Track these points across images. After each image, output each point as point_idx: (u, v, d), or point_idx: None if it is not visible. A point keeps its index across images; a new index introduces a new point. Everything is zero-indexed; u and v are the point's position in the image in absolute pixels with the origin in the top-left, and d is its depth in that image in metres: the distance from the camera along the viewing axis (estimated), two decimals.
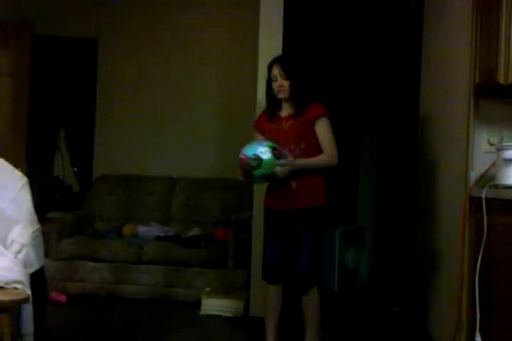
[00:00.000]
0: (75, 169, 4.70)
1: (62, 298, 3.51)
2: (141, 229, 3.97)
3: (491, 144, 2.34)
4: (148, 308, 3.47)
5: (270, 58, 3.23)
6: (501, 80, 2.06)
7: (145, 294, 3.61)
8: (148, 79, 4.57)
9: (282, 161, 2.37)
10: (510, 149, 2.10)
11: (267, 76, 2.57)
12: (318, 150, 2.51)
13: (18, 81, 4.41)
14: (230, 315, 3.31)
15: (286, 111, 2.57)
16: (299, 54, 2.67)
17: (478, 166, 2.35)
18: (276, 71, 2.51)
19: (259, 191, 3.28)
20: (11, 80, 4.42)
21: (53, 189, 4.66)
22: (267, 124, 2.59)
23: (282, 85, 2.50)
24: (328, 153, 2.50)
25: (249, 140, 3.42)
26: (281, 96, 2.52)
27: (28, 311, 1.85)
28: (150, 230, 3.96)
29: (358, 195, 4.69)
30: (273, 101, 2.58)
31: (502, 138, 2.33)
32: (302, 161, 2.45)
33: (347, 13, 4.59)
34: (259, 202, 3.28)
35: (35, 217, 2.11)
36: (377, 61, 4.60)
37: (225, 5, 4.46)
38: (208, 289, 3.49)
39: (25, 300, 1.79)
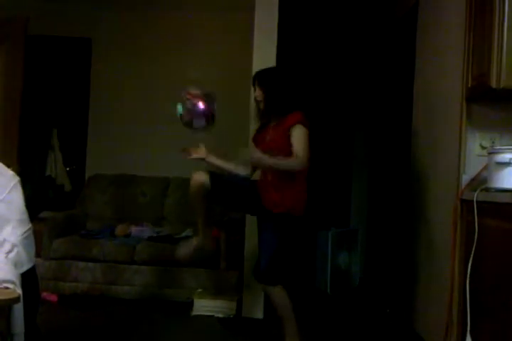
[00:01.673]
0: (68, 168, 4.69)
1: (54, 297, 3.50)
2: (134, 229, 3.96)
3: (483, 147, 2.36)
4: (140, 308, 3.46)
5: (264, 61, 3.29)
6: (493, 84, 2.08)
7: (137, 294, 3.60)
8: (141, 79, 4.57)
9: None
10: (501, 153, 2.12)
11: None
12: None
13: (10, 80, 4.38)
14: (221, 315, 3.31)
15: (272, 122, 2.65)
16: (276, 67, 2.84)
17: (470, 169, 2.37)
18: (254, 82, 2.67)
19: None
20: (4, 79, 4.39)
21: (45, 188, 4.65)
22: (258, 135, 2.72)
23: (258, 96, 2.63)
24: (298, 157, 2.48)
25: (241, 141, 3.46)
26: (261, 106, 2.64)
27: (18, 311, 1.83)
28: (142, 230, 3.96)
29: (351, 197, 4.71)
30: (262, 113, 2.69)
31: (494, 142, 2.35)
32: (264, 158, 2.45)
33: (341, 18, 4.61)
34: None
35: (26, 217, 2.10)
36: (371, 65, 4.62)
37: (220, 7, 4.46)
38: (199, 290, 3.49)
39: (16, 300, 1.78)
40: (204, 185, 2.59)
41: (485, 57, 2.15)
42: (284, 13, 3.39)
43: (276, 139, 2.54)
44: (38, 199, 4.35)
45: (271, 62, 3.27)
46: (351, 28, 4.62)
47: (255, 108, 2.74)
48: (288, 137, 2.50)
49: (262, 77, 2.64)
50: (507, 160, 2.07)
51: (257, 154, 2.44)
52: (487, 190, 2.17)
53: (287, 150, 2.48)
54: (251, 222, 3.29)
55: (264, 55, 3.28)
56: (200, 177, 2.61)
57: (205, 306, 3.34)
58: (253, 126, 2.96)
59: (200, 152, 2.90)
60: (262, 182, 2.60)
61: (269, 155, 2.43)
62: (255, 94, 2.64)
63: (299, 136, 2.50)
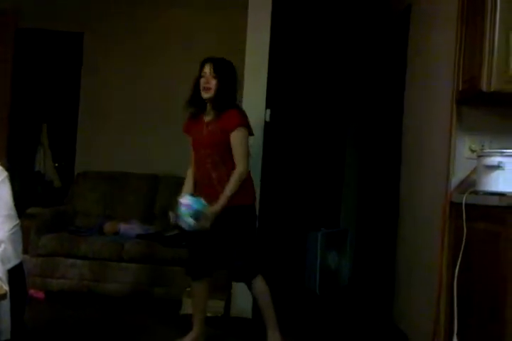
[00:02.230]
0: (57, 164, 4.65)
1: (41, 294, 3.47)
2: (123, 227, 3.94)
3: (473, 151, 2.38)
4: (128, 307, 3.45)
5: (257, 59, 3.29)
6: (484, 88, 2.10)
7: (125, 292, 3.58)
8: (133, 75, 4.54)
9: (202, 221, 2.44)
10: (490, 156, 2.14)
11: (197, 74, 2.60)
12: (230, 156, 2.55)
13: (0, 74, 4.34)
14: (210, 314, 3.29)
15: (208, 115, 2.62)
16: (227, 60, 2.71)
17: (459, 172, 2.39)
18: (207, 69, 2.56)
19: None
20: None
21: (34, 184, 4.61)
22: (192, 127, 2.67)
23: (209, 83, 2.54)
24: (239, 168, 2.52)
25: None
26: (206, 95, 2.55)
27: (5, 307, 1.82)
28: (131, 228, 3.94)
29: (341, 198, 4.73)
30: (196, 100, 2.61)
31: (483, 145, 2.37)
32: (221, 200, 2.48)
33: (334, 16, 4.62)
34: None
35: (14, 212, 2.08)
36: (363, 66, 4.63)
37: (213, 4, 4.45)
38: (188, 289, 3.47)
39: (2, 296, 1.77)
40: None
41: (476, 60, 2.17)
42: (278, 10, 3.39)
43: (215, 138, 2.55)
44: (26, 195, 4.32)
45: (264, 59, 3.27)
46: (345, 26, 4.64)
47: (190, 94, 2.64)
48: (227, 137, 2.52)
49: (220, 66, 2.57)
50: (496, 164, 2.09)
51: (216, 208, 2.46)
52: (476, 192, 2.19)
53: (226, 147, 2.53)
54: None
55: (257, 52, 3.28)
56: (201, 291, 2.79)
57: None
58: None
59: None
60: (205, 183, 2.59)
61: (209, 152, 2.53)
62: (206, 81, 2.54)
63: (239, 142, 2.53)
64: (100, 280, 3.59)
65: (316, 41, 4.64)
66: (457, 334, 2.18)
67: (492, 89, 2.09)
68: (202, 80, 2.56)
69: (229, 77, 2.58)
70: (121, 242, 3.69)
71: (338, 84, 4.69)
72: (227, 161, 2.55)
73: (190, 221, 2.43)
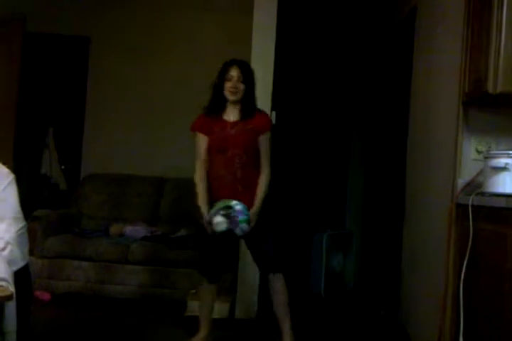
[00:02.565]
0: (63, 167, 4.67)
1: (47, 296, 3.48)
2: (128, 229, 3.95)
3: (479, 152, 2.37)
4: (133, 309, 3.45)
5: (262, 63, 3.30)
6: (490, 89, 2.09)
7: (130, 294, 3.59)
8: (139, 78, 4.56)
9: (245, 226, 2.50)
10: (497, 157, 2.13)
11: (217, 77, 2.66)
12: (258, 160, 2.63)
13: (7, 77, 4.37)
14: (215, 316, 3.29)
15: (231, 115, 2.65)
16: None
17: (466, 174, 2.38)
18: (234, 72, 2.61)
19: None
20: (1, 76, 4.38)
21: (40, 187, 4.63)
22: (211, 126, 2.65)
23: (237, 87, 2.59)
24: (266, 172, 2.63)
25: None
26: (232, 97, 2.61)
27: (11, 309, 1.82)
28: (137, 230, 3.94)
29: (347, 200, 4.71)
30: (218, 103, 2.65)
31: (490, 146, 2.36)
32: (258, 203, 2.59)
33: (339, 23, 4.62)
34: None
35: (21, 214, 2.09)
36: (369, 69, 4.63)
37: (219, 7, 4.47)
38: (193, 291, 3.47)
39: (8, 298, 1.77)
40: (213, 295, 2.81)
41: (482, 62, 2.16)
42: (283, 13, 3.40)
43: (247, 139, 2.59)
44: (32, 197, 4.34)
45: (269, 62, 3.28)
46: (350, 32, 4.64)
47: (212, 96, 2.67)
48: (256, 139, 2.60)
49: (246, 70, 2.65)
50: (502, 165, 2.08)
51: (256, 211, 2.56)
52: (482, 194, 2.18)
53: (254, 148, 2.60)
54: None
55: (262, 57, 3.29)
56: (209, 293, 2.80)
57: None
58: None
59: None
60: (226, 183, 2.60)
61: (239, 153, 2.56)
62: (234, 84, 2.59)
63: (268, 146, 2.63)
64: (106, 282, 3.60)
65: (322, 43, 4.64)
66: (463, 337, 2.16)
67: (498, 91, 2.08)
68: (228, 84, 2.60)
69: (253, 79, 2.66)
70: (126, 244, 3.70)
71: (343, 87, 4.69)
72: (253, 162, 2.61)
73: (246, 227, 2.52)
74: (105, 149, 4.54)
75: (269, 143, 2.64)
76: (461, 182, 2.37)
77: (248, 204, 2.55)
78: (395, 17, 4.04)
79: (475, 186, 2.31)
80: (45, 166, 4.59)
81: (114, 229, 3.97)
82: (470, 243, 2.14)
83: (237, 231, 2.52)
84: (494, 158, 2.14)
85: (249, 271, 3.27)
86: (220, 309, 3.30)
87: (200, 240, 2.86)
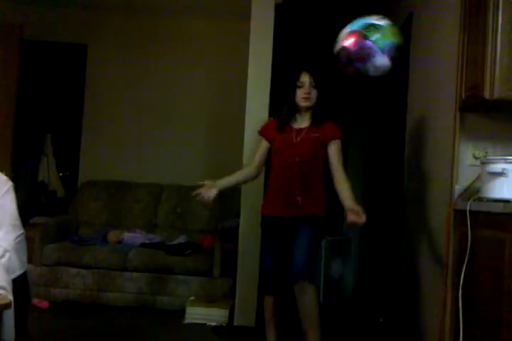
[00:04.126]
0: (61, 174, 4.67)
1: (45, 304, 3.47)
2: (127, 236, 3.94)
3: (476, 158, 2.38)
4: (132, 316, 3.44)
5: (260, 67, 3.30)
6: (487, 95, 2.10)
7: (129, 301, 3.58)
8: (136, 85, 4.58)
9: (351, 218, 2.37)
10: (494, 163, 2.14)
11: (287, 83, 2.57)
12: (322, 170, 2.54)
13: (5, 85, 4.37)
14: (214, 323, 3.29)
15: (299, 123, 2.57)
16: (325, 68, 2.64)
17: (463, 179, 2.38)
18: (306, 78, 2.54)
19: (247, 200, 3.29)
20: None
21: (38, 194, 4.62)
22: (277, 133, 2.57)
23: (309, 93, 2.51)
24: (343, 174, 2.52)
25: (236, 148, 3.46)
26: (305, 104, 2.53)
27: (9, 317, 1.81)
28: (135, 237, 3.94)
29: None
30: (290, 111, 2.57)
31: (487, 152, 2.37)
32: (350, 196, 2.47)
33: (335, 29, 4.64)
34: (246, 211, 3.29)
35: (19, 222, 2.08)
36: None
37: (216, 14, 4.49)
38: (192, 298, 3.47)
39: (6, 306, 1.76)
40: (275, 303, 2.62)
41: (478, 68, 2.18)
42: (281, 20, 3.41)
43: (309, 147, 2.50)
44: (30, 204, 4.32)
45: (267, 68, 3.29)
46: None
47: (286, 103, 2.57)
48: (324, 146, 2.51)
49: (318, 76, 2.56)
50: (500, 170, 2.09)
51: (350, 202, 2.44)
52: (480, 199, 2.18)
53: (316, 158, 2.51)
54: (245, 230, 3.29)
55: (260, 61, 3.30)
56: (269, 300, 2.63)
57: (197, 314, 3.32)
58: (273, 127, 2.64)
59: (210, 188, 2.63)
60: (285, 192, 2.51)
61: (298, 161, 2.47)
62: (307, 91, 2.51)
63: (339, 155, 2.53)
64: (104, 290, 3.59)
65: (319, 50, 4.66)
66: None
67: (495, 97, 2.09)
68: (301, 90, 2.53)
69: (325, 85, 2.58)
70: (125, 251, 3.69)
71: (340, 93, 4.70)
72: (313, 172, 2.52)
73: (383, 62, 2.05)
74: (103, 156, 4.55)
75: (340, 152, 2.53)
76: (458, 187, 2.38)
77: (305, 212, 2.49)
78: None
79: (472, 192, 2.31)
80: (43, 173, 4.59)
81: (112, 236, 3.96)
82: (468, 248, 2.14)
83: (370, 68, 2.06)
84: (491, 163, 2.15)
85: (248, 277, 3.26)
86: (219, 315, 3.30)
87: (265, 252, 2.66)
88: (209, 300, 3.43)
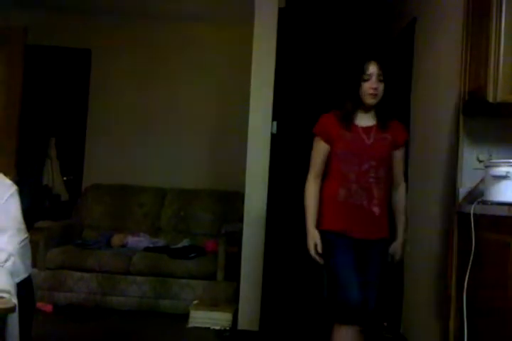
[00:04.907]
0: (65, 178, 4.68)
1: (49, 308, 3.47)
2: (130, 240, 3.95)
3: (480, 161, 2.37)
4: (136, 320, 3.44)
5: (264, 71, 3.31)
6: (490, 99, 2.10)
7: (132, 305, 3.58)
8: (140, 90, 4.59)
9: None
10: (498, 166, 2.13)
11: (350, 74, 2.16)
12: (390, 177, 2.21)
13: (9, 89, 4.39)
14: (218, 327, 3.28)
15: (363, 120, 2.16)
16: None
17: (467, 183, 2.38)
18: (373, 69, 2.10)
19: (250, 203, 3.29)
20: (3, 88, 4.40)
21: (42, 198, 4.63)
22: (340, 131, 2.12)
23: (377, 88, 2.10)
24: (403, 188, 2.26)
25: (240, 152, 3.46)
26: (372, 101, 2.11)
27: (13, 320, 1.82)
28: (139, 241, 3.94)
29: None
30: (355, 106, 2.14)
31: (490, 155, 2.37)
32: (402, 229, 2.24)
33: (338, 34, 4.65)
34: (249, 215, 3.28)
35: (23, 226, 2.09)
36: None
37: (219, 19, 4.50)
38: (196, 302, 3.46)
39: (11, 310, 1.77)
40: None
41: (481, 71, 2.17)
42: (284, 23, 3.42)
43: (385, 150, 2.14)
44: (34, 208, 4.34)
45: (270, 71, 3.30)
46: (350, 40, 4.66)
47: (349, 99, 2.15)
48: (391, 152, 2.17)
49: (386, 66, 2.14)
50: (503, 174, 2.08)
51: (402, 239, 2.23)
52: (484, 202, 2.18)
53: (390, 162, 2.18)
54: (248, 234, 3.29)
55: (263, 64, 3.31)
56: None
57: (201, 318, 3.31)
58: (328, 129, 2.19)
59: (314, 239, 2.17)
60: (360, 202, 2.10)
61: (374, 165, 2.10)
62: (374, 85, 2.08)
63: (403, 161, 2.24)
64: (108, 294, 3.59)
65: (322, 54, 4.67)
66: None
67: (498, 100, 2.09)
68: (367, 85, 2.09)
69: (390, 77, 2.16)
70: (128, 255, 3.69)
71: (342, 97, 4.70)
72: (388, 178, 2.18)
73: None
74: (107, 160, 4.56)
75: (404, 160, 2.26)
76: (462, 191, 2.38)
77: (384, 232, 2.18)
78: (394, 28, 4.06)
79: (476, 195, 2.31)
80: (47, 177, 4.60)
81: (115, 239, 3.97)
82: (473, 252, 2.14)
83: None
84: (495, 166, 2.14)
85: (252, 281, 3.25)
86: (223, 319, 3.29)
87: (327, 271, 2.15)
88: (213, 304, 3.43)
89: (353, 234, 2.11)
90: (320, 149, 2.19)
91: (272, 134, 3.38)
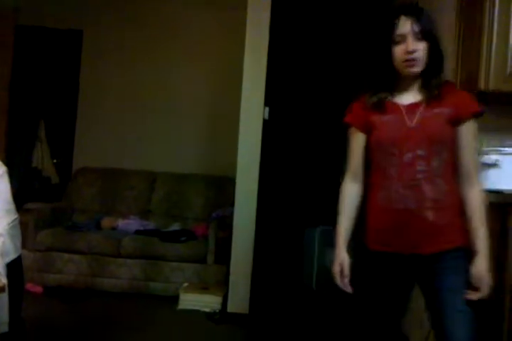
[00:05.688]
0: (55, 161, 4.65)
1: (38, 289, 3.48)
2: (121, 223, 3.95)
3: None
4: (126, 302, 3.46)
5: (256, 56, 3.30)
6: (482, 87, 2.11)
7: (123, 287, 3.60)
8: (131, 72, 4.54)
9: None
10: (488, 154, 2.15)
11: (377, 37, 1.67)
12: (454, 167, 1.58)
13: None
14: (207, 310, 3.32)
15: (405, 95, 1.61)
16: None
17: None
18: (407, 27, 1.54)
19: (242, 188, 3.30)
20: None
21: (31, 180, 4.61)
22: (373, 115, 1.62)
23: (415, 50, 1.53)
24: (478, 186, 1.58)
25: (232, 136, 3.46)
26: (411, 70, 1.55)
27: (3, 300, 1.82)
28: (129, 224, 3.95)
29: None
30: (386, 79, 1.61)
31: (482, 143, 2.39)
32: (484, 249, 1.53)
33: (334, 14, 4.62)
34: (240, 199, 3.30)
35: (13, 207, 2.08)
36: (364, 62, 4.64)
37: (212, 2, 4.44)
38: (186, 284, 3.49)
39: (1, 289, 1.78)
40: None
41: (474, 60, 2.18)
42: (278, 7, 3.39)
43: (437, 130, 1.55)
44: (23, 190, 4.32)
45: (263, 56, 3.28)
46: (345, 24, 4.64)
47: (382, 77, 1.61)
48: (452, 130, 1.56)
49: (429, 21, 1.57)
50: (493, 162, 2.11)
51: (484, 265, 1.53)
52: None
53: (449, 146, 1.56)
54: (239, 218, 3.30)
55: (256, 49, 3.28)
56: None
57: (191, 300, 3.34)
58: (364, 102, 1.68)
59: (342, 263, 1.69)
60: (406, 206, 1.54)
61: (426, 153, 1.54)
62: (408, 46, 1.52)
63: (474, 142, 1.60)
64: (97, 276, 3.60)
65: (316, 39, 4.64)
66: None
67: (490, 89, 2.11)
68: (400, 48, 1.54)
69: (437, 33, 1.58)
70: (118, 238, 3.70)
71: (337, 82, 4.70)
72: (446, 169, 1.56)
73: None
74: (97, 143, 4.53)
75: (476, 140, 1.61)
76: None
77: (445, 241, 1.55)
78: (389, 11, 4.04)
79: None
80: (37, 159, 4.57)
81: (106, 222, 3.97)
82: None
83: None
84: (485, 154, 2.16)
85: (242, 264, 3.28)
86: (213, 302, 3.32)
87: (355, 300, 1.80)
88: (203, 287, 3.46)
89: (397, 248, 1.58)
90: (354, 141, 1.70)
91: (264, 120, 3.38)
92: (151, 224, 4.02)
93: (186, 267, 3.59)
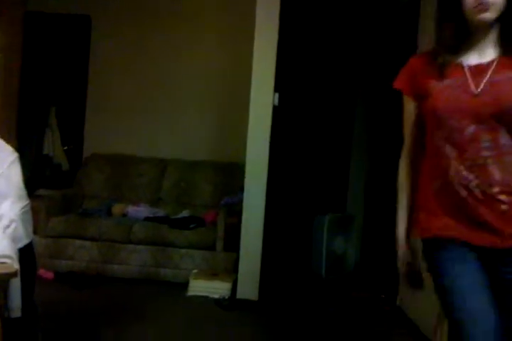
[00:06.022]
0: (65, 147, 4.67)
1: (50, 275, 3.51)
2: (131, 209, 3.97)
3: None
4: (136, 288, 3.49)
5: (266, 42, 3.25)
6: None
7: (133, 274, 3.62)
8: (141, 57, 4.52)
9: None
10: None
11: None
12: None
13: (9, 57, 4.33)
14: (216, 296, 3.34)
15: (475, 54, 1.33)
16: None
17: None
18: None
19: (251, 174, 3.29)
20: (2, 56, 4.35)
21: (42, 167, 4.64)
22: (428, 80, 1.36)
23: (492, 3, 1.26)
24: None
25: (242, 123, 3.44)
26: (482, 16, 1.27)
27: (16, 285, 1.84)
28: (139, 210, 3.96)
29: (348, 182, 4.71)
30: (457, 32, 1.34)
31: None
32: None
33: (343, 3, 4.56)
34: (250, 185, 3.29)
35: (24, 192, 2.09)
36: (373, 49, 4.58)
37: None
38: (195, 271, 3.51)
39: (13, 275, 1.79)
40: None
41: None
42: None
43: (505, 99, 1.27)
44: (34, 177, 4.34)
45: (273, 42, 3.25)
46: (355, 12, 4.58)
47: (449, 30, 1.35)
48: None
49: None
50: None
51: None
52: None
53: None
54: (248, 204, 3.30)
55: (266, 35, 3.25)
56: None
57: (200, 287, 3.36)
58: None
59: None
60: (476, 185, 1.30)
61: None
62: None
63: None
64: (108, 262, 3.63)
65: (327, 23, 4.59)
66: None
67: None
68: None
69: None
70: (129, 224, 3.72)
71: (346, 69, 4.65)
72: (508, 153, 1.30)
73: None
74: (108, 130, 4.53)
75: None
76: None
77: None
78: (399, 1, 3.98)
79: None
80: (48, 146, 4.59)
81: (116, 209, 3.99)
82: None
83: None
84: None
85: (252, 251, 3.29)
86: (222, 289, 3.34)
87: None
88: (212, 274, 3.47)
89: (467, 238, 1.34)
90: (407, 112, 1.48)
91: (274, 106, 3.35)
92: (160, 211, 4.03)
93: (196, 254, 3.61)
